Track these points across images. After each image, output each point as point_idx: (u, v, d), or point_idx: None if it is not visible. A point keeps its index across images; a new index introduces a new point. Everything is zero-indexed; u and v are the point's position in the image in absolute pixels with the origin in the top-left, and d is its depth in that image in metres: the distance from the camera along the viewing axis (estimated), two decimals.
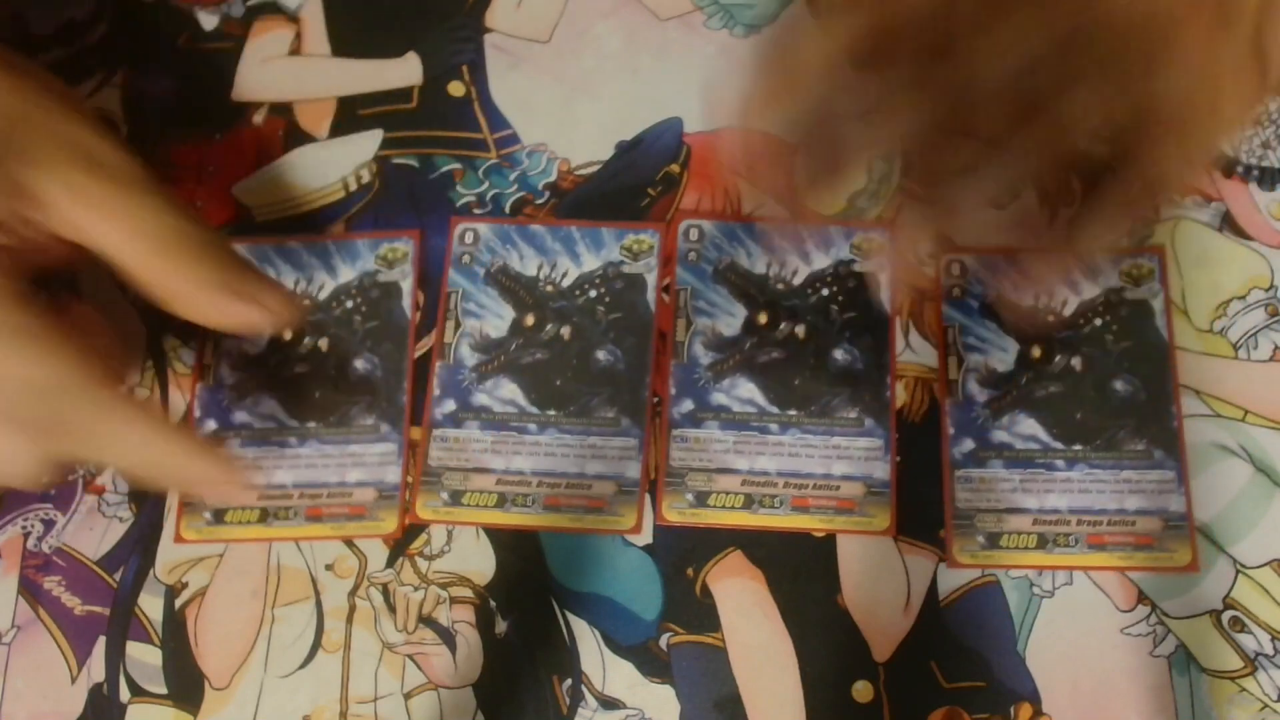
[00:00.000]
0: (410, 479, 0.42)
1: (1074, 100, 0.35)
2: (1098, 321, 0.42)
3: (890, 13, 0.34)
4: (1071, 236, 0.37)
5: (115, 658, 0.41)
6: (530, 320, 0.43)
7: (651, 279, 0.44)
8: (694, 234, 0.44)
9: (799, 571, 0.40)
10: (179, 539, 0.42)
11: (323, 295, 0.44)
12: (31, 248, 0.34)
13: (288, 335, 0.44)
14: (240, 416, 0.43)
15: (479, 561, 0.41)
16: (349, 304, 0.44)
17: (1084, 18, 0.34)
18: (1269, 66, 0.37)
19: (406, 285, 0.44)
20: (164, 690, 0.41)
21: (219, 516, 0.42)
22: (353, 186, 0.46)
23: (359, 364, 0.43)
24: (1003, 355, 0.42)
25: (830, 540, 0.41)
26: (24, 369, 0.33)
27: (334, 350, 0.44)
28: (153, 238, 0.35)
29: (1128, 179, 0.37)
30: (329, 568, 0.42)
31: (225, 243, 0.37)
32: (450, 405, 0.42)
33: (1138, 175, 0.36)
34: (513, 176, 0.46)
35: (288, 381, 0.43)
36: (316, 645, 0.41)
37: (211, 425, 0.43)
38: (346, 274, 0.44)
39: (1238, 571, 0.39)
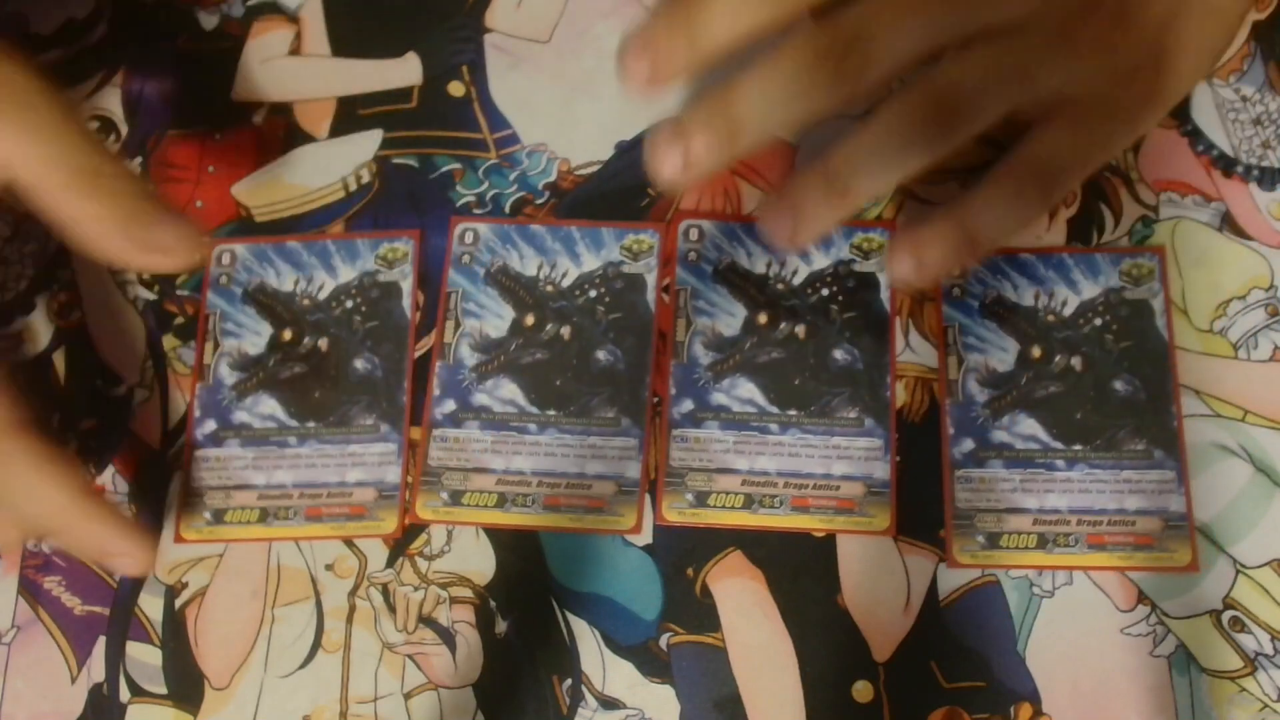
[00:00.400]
0: (410, 479, 0.42)
1: (973, 78, 0.36)
2: (1098, 321, 0.42)
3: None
4: (962, 219, 0.37)
5: (115, 658, 0.41)
6: (530, 320, 0.43)
7: (651, 279, 0.44)
8: (694, 234, 0.44)
9: (799, 571, 0.40)
10: (179, 539, 0.42)
11: (323, 295, 0.44)
12: None
13: (288, 335, 0.44)
14: (240, 416, 0.43)
15: (479, 561, 0.41)
16: (349, 304, 0.44)
17: (988, 10, 0.35)
18: (1168, 76, 0.37)
19: (406, 285, 0.44)
20: (164, 690, 0.41)
21: (219, 517, 0.42)
22: (353, 186, 0.46)
23: (359, 364, 0.43)
24: (1003, 355, 0.42)
25: (830, 540, 0.41)
26: None
27: (334, 350, 0.44)
28: (66, 170, 0.34)
29: (1020, 163, 0.37)
30: (329, 568, 0.42)
31: (139, 185, 0.37)
32: (450, 405, 0.42)
33: (1030, 159, 0.37)
34: (513, 176, 0.46)
35: (288, 381, 0.43)
36: (316, 645, 0.41)
37: (211, 425, 0.43)
38: (346, 274, 0.44)
39: (1238, 571, 0.39)
